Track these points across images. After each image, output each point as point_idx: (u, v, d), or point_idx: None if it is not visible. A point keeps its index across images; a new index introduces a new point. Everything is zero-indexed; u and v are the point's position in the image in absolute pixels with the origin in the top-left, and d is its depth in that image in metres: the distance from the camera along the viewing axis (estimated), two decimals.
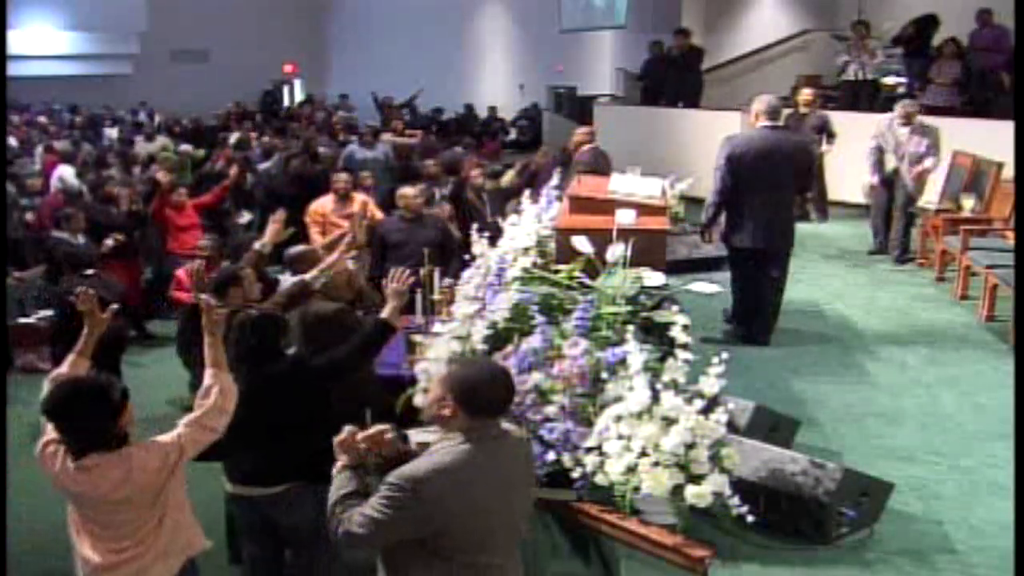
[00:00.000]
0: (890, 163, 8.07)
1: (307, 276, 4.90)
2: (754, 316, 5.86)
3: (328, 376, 3.96)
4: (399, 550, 2.64)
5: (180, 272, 7.22)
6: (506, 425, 2.84)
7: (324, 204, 8.19)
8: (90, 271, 7.03)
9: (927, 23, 11.35)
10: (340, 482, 2.71)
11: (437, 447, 2.66)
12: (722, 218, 5.89)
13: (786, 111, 9.88)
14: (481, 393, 2.68)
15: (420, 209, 7.14)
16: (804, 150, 6.02)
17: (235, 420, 3.92)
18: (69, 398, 3.05)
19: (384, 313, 4.03)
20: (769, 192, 5.69)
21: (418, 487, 2.52)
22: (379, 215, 8.03)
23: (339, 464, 2.77)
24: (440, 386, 2.69)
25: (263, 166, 11.59)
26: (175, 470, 3.18)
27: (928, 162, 7.80)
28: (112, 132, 17.05)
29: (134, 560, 3.16)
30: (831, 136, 9.26)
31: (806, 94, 9.68)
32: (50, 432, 3.14)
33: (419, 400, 3.95)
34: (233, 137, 14.18)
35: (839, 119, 9.59)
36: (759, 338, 5.83)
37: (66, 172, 10.78)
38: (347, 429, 2.81)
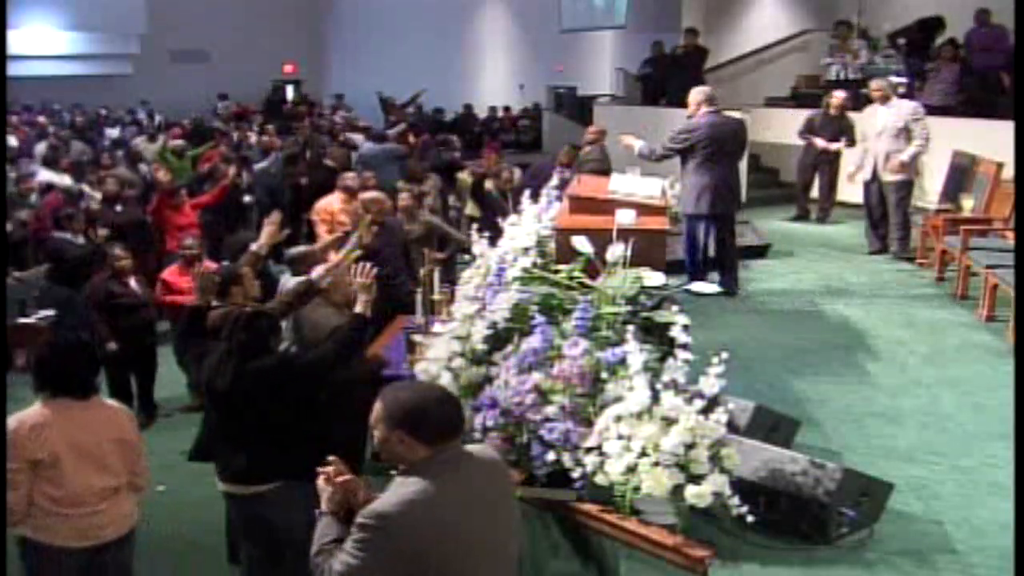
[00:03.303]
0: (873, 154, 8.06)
1: (314, 275, 4.89)
2: (711, 267, 6.95)
3: (314, 373, 4.00)
4: None
5: (165, 275, 7.19)
6: (474, 447, 2.66)
7: (331, 202, 8.17)
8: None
9: (932, 24, 11.35)
10: (322, 529, 2.53)
11: (400, 480, 2.44)
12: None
13: (811, 112, 9.92)
14: (430, 416, 2.44)
15: (381, 216, 7.17)
16: (743, 128, 7.11)
17: (222, 417, 3.95)
18: (71, 350, 3.79)
19: (357, 308, 4.12)
20: (725, 166, 6.81)
21: (386, 523, 2.32)
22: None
23: (321, 508, 2.58)
24: (384, 425, 2.44)
25: (259, 165, 11.60)
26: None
27: (910, 150, 7.78)
28: (114, 132, 17.05)
29: (123, 494, 3.75)
30: (849, 141, 9.37)
31: (837, 97, 9.67)
32: (29, 412, 3.63)
33: None
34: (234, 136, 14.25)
35: None
36: (732, 288, 6.94)
37: (44, 175, 10.69)
38: (322, 478, 2.59)
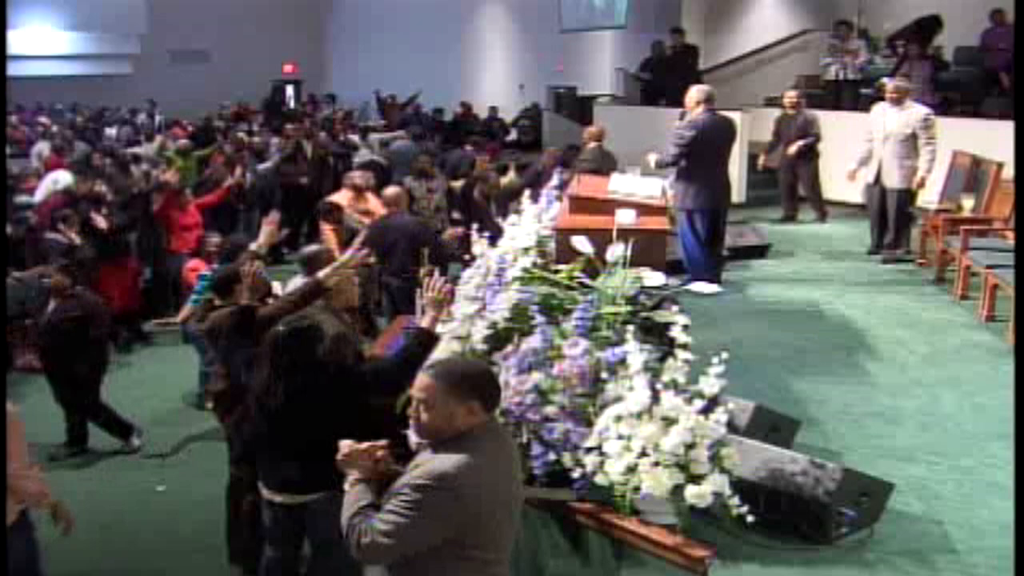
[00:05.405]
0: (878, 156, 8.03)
1: (320, 274, 4.82)
2: (707, 261, 7.03)
3: (371, 386, 3.89)
4: (415, 559, 2.51)
5: (192, 264, 7.27)
6: None
7: (339, 200, 8.25)
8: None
9: (929, 23, 11.34)
10: (356, 494, 2.62)
11: (444, 449, 2.52)
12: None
13: (776, 111, 10.02)
14: (490, 382, 2.64)
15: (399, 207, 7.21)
16: (733, 127, 7.23)
17: (275, 428, 3.85)
18: None
19: (424, 323, 3.90)
20: (720, 163, 6.97)
21: (453, 484, 2.43)
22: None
23: (351, 478, 2.68)
24: (448, 400, 2.52)
25: (261, 166, 11.60)
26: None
27: (925, 164, 7.75)
28: (112, 132, 17.04)
29: None
30: (813, 137, 9.48)
31: (788, 97, 9.82)
32: None
33: None
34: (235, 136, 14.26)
35: (826, 119, 9.68)
36: (716, 279, 7.04)
37: (61, 176, 10.69)
38: (346, 444, 2.73)
